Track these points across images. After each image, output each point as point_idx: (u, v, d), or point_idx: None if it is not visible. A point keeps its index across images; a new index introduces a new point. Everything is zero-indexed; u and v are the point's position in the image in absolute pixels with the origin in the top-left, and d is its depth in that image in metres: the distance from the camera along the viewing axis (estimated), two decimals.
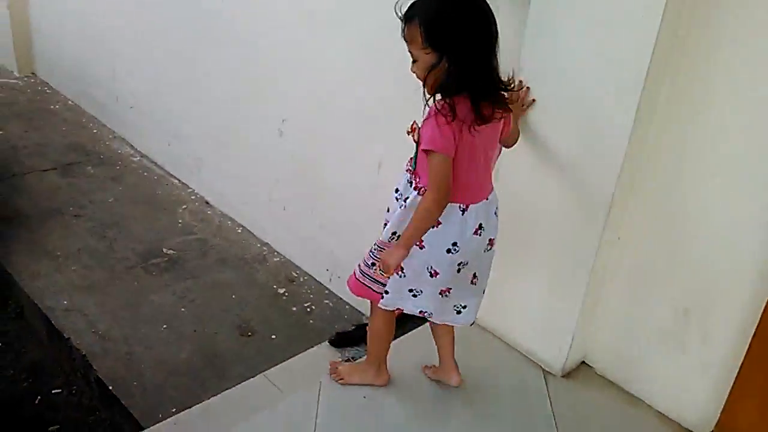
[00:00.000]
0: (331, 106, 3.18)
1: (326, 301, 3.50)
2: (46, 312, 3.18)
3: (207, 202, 4.25)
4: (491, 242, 2.05)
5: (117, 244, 3.74)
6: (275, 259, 3.79)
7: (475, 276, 2.07)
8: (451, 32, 1.71)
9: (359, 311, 3.44)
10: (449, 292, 2.07)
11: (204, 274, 3.59)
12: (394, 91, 2.51)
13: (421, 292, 2.07)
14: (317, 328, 3.31)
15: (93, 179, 4.36)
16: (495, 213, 2.05)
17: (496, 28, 1.75)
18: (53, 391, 3.04)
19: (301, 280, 3.65)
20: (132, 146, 4.81)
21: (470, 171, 1.89)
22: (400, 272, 2.02)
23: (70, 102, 5.37)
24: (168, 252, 3.73)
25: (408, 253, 1.89)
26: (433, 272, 2.01)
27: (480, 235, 1.99)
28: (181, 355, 3.01)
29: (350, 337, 2.94)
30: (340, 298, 3.52)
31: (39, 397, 3.00)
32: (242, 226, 4.04)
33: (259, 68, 3.55)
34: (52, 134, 4.87)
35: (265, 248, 3.87)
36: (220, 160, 4.06)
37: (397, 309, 2.13)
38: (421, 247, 1.97)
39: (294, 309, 3.43)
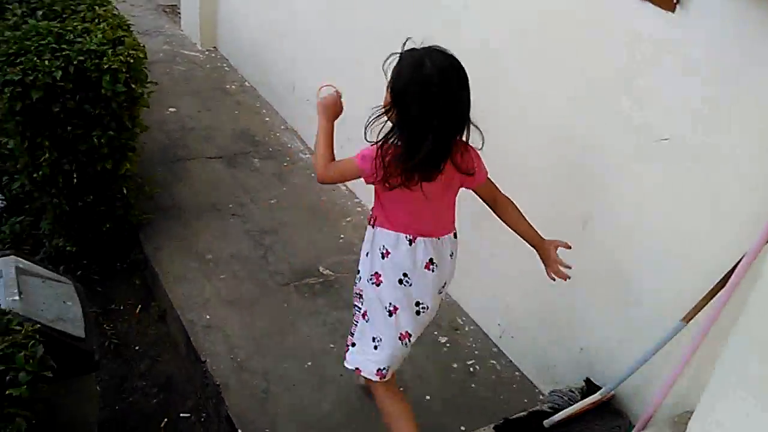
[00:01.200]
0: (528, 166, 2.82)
1: (493, 362, 3.15)
2: (187, 326, 3.09)
3: None
4: (444, 286, 2.30)
5: (272, 255, 3.61)
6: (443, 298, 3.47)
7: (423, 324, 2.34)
8: (400, 96, 2.02)
9: (532, 383, 3.05)
10: (410, 339, 2.28)
11: None
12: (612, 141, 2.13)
13: (381, 339, 2.27)
14: (479, 396, 2.96)
15: (258, 174, 4.28)
16: (451, 256, 2.27)
17: (451, 106, 1.98)
18: (181, 415, 2.95)
19: (467, 329, 3.31)
20: (303, 141, 4.69)
21: (411, 209, 2.15)
22: (365, 317, 2.30)
23: (246, 83, 5.38)
24: (324, 272, 3.54)
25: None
26: (392, 309, 2.23)
27: (433, 270, 2.21)
28: (322, 405, 2.79)
29: (522, 427, 2.55)
30: (510, 361, 3.15)
31: (166, 420, 2.92)
32: None
33: None
34: (224, 117, 4.87)
35: None
36: None
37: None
38: (378, 284, 2.23)
39: (455, 366, 3.10)
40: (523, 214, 2.33)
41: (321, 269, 3.56)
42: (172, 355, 3.21)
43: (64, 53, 3.13)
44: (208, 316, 3.16)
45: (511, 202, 2.33)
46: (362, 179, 2.16)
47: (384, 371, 2.27)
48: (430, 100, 1.96)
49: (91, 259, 3.56)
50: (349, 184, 4.25)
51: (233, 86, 5.34)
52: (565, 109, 2.65)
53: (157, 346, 3.25)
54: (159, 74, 5.33)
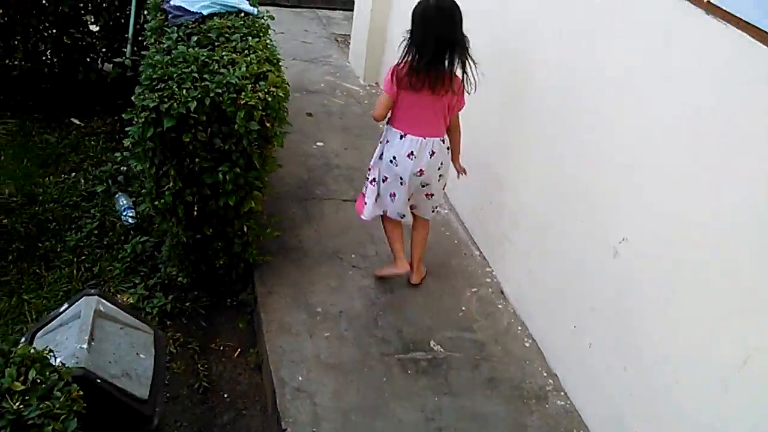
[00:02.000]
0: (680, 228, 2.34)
1: None
2: (277, 384, 2.89)
3: (502, 292, 3.64)
4: (421, 172, 3.26)
5: (383, 318, 3.35)
6: (559, 403, 3.04)
7: (413, 197, 3.40)
8: (414, 19, 3.11)
9: None
10: (394, 197, 3.36)
11: (466, 393, 3.00)
12: None
13: (379, 195, 3.43)
14: None
15: None
16: (430, 154, 3.23)
17: (444, 29, 3.06)
18: None
19: None
20: (445, 197, 4.40)
21: (409, 114, 3.21)
22: (372, 183, 3.42)
23: None
24: (435, 348, 3.22)
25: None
26: (384, 178, 3.36)
27: (412, 159, 3.22)
28: None
29: None
30: None
31: None
32: (533, 339, 3.36)
33: (596, 169, 2.83)
34: (369, 156, 4.67)
35: (551, 382, 3.14)
36: (531, 249, 3.41)
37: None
38: (380, 158, 3.37)
39: None
40: (460, 141, 3.41)
41: (432, 344, 3.24)
42: (258, 412, 3.02)
43: (203, 84, 3.06)
44: (300, 378, 2.94)
45: (460, 131, 3.39)
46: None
47: (380, 213, 3.49)
48: (430, 24, 3.07)
49: (201, 291, 3.47)
50: (483, 249, 3.91)
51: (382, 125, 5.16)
52: None
53: (246, 398, 3.07)
54: (316, 105, 5.28)
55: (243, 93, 3.07)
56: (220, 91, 3.04)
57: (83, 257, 3.72)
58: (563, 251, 3.14)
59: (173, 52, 3.30)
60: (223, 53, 3.31)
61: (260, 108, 3.08)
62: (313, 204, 4.14)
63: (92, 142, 4.74)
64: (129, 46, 4.65)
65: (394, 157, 3.26)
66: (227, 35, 3.52)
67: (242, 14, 3.75)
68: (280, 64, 3.48)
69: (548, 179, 3.28)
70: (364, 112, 5.32)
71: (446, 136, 3.29)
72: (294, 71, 5.76)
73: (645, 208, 2.60)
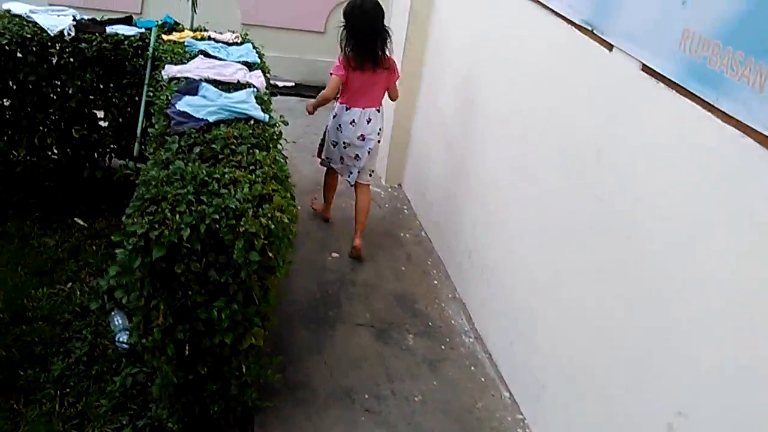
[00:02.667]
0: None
1: None
2: None
3: None
4: (363, 137, 4.35)
5: None
6: None
7: (357, 156, 4.43)
8: (345, 17, 4.22)
9: None
10: (342, 160, 4.49)
11: None
12: None
13: (331, 156, 4.55)
14: None
15: (408, 356, 3.59)
16: (368, 120, 4.33)
17: (367, 20, 4.14)
18: None
19: None
20: (470, 319, 3.94)
21: (355, 91, 4.27)
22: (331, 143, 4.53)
23: (422, 233, 4.78)
24: None
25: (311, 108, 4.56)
26: (332, 143, 4.47)
27: (353, 126, 4.32)
28: None
29: None
30: None
31: None
32: None
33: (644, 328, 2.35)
34: (388, 272, 4.27)
35: None
36: (570, 401, 2.91)
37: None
38: (331, 128, 4.51)
39: None
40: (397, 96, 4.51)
41: None
42: None
43: (199, 207, 2.67)
44: None
45: (398, 94, 4.50)
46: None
47: (328, 161, 4.60)
48: (358, 19, 4.15)
49: None
50: (514, 391, 3.40)
51: (408, 234, 4.75)
52: None
53: None
54: (335, 208, 4.90)
55: (243, 219, 2.68)
56: (217, 217, 2.66)
57: (68, 389, 3.27)
58: (609, 413, 2.64)
59: (171, 166, 2.94)
60: (226, 169, 2.94)
61: (262, 236, 2.68)
62: (323, 330, 3.69)
63: (93, 247, 4.36)
64: (137, 145, 4.33)
65: (340, 126, 4.35)
66: (233, 147, 3.16)
67: (252, 122, 3.39)
68: (289, 180, 3.11)
69: (592, 323, 2.81)
70: (384, 216, 4.92)
71: (381, 106, 4.37)
72: (313, 170, 5.41)
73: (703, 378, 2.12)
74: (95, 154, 4.60)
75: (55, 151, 4.49)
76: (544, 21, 3.30)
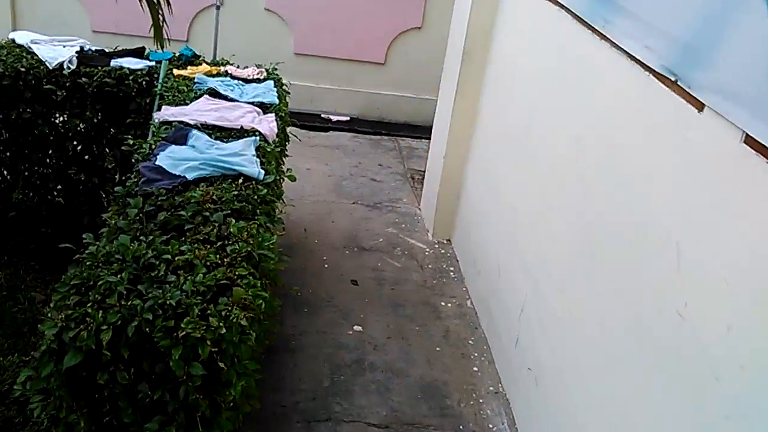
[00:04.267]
0: None
1: None
2: None
3: None
4: None
5: None
6: None
7: None
8: None
9: None
10: None
11: None
12: None
13: None
14: None
15: None
16: None
17: None
18: None
19: None
20: (513, 424, 3.13)
21: None
22: None
23: (468, 304, 4.00)
24: None
25: None
26: None
27: None
28: None
29: None
30: None
31: None
32: None
33: None
34: (418, 355, 3.52)
35: None
36: None
37: None
38: None
39: None
40: None
41: None
42: None
43: (131, 303, 2.02)
44: None
45: None
46: None
47: None
48: None
49: None
50: None
51: (449, 304, 3.98)
52: None
53: None
54: (366, 269, 4.19)
55: (186, 318, 2.01)
56: (149, 316, 2.00)
57: None
58: None
59: (115, 241, 2.31)
60: (185, 246, 2.29)
61: (209, 342, 2.00)
62: (325, 430, 2.96)
63: None
64: None
65: None
66: (207, 213, 2.50)
67: (240, 180, 2.73)
68: (273, 259, 2.41)
69: None
70: (424, 281, 4.16)
71: None
72: (351, 220, 4.72)
73: None
74: (98, 199, 4.06)
75: (55, 194, 3.99)
76: (616, 66, 2.51)
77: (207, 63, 4.04)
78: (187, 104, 3.38)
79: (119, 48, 4.04)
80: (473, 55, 4.18)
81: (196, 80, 3.65)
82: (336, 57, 6.54)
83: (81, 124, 3.75)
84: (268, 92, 3.67)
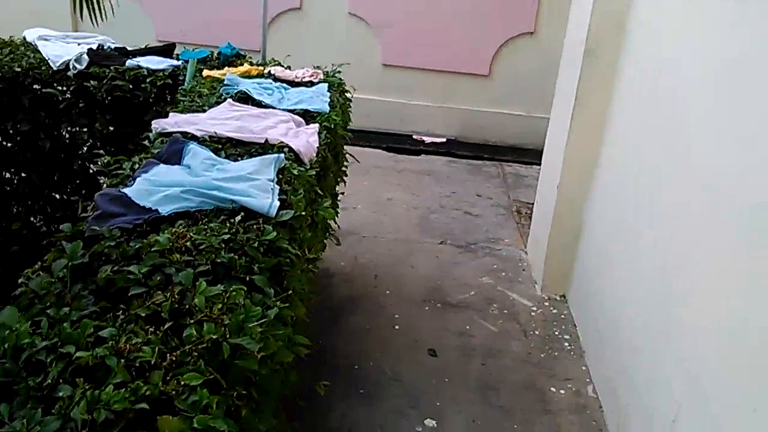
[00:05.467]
0: None
1: None
2: None
3: None
4: None
5: None
6: None
7: None
8: None
9: None
10: None
11: None
12: None
13: None
14: None
15: None
16: None
17: None
18: None
19: None
20: None
21: None
22: None
23: (588, 390, 2.88)
24: None
25: None
26: None
27: None
28: None
29: None
30: None
31: None
32: None
33: None
34: None
35: None
36: None
37: None
38: None
39: None
40: None
41: None
42: None
43: None
44: None
45: None
46: None
47: None
48: None
49: None
50: None
51: (563, 390, 2.87)
52: None
53: None
54: (449, 334, 3.18)
55: None
56: None
57: None
58: None
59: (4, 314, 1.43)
60: (107, 331, 1.37)
61: None
62: None
63: None
64: None
65: None
66: (173, 269, 1.58)
67: (238, 217, 1.80)
68: (254, 357, 1.44)
69: None
70: (528, 355, 3.08)
71: None
72: (436, 265, 3.72)
73: None
74: None
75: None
76: None
77: (251, 64, 3.18)
78: (205, 111, 2.52)
79: (146, 46, 3.27)
80: (599, 51, 3.10)
81: (226, 81, 2.79)
82: (431, 68, 5.59)
83: (87, 138, 2.97)
84: (316, 98, 2.75)
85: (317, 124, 2.50)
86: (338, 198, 3.22)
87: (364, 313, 3.25)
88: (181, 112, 2.51)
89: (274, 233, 1.78)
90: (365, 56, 5.52)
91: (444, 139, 5.66)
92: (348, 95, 3.18)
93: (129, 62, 2.98)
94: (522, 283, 3.63)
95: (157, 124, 2.35)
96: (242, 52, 3.27)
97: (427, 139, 5.63)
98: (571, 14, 3.51)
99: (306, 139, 2.36)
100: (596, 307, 3.08)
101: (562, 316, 3.37)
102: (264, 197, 1.89)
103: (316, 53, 5.55)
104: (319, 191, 2.24)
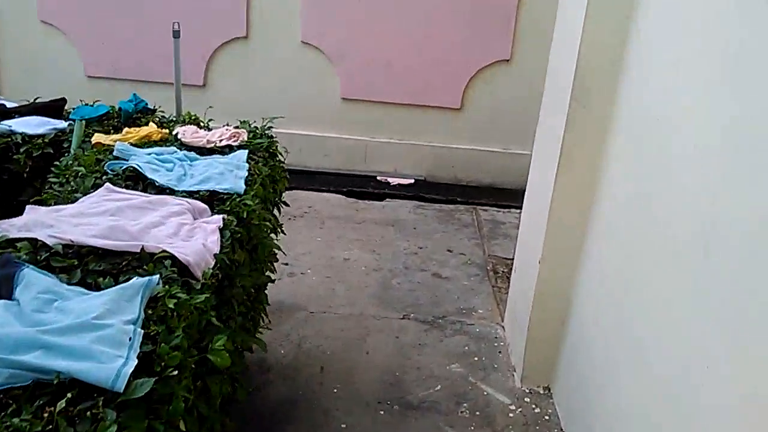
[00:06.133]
0: None
1: None
2: None
3: None
4: None
5: None
6: None
7: None
8: None
9: None
10: None
11: None
12: None
13: None
14: None
15: None
16: None
17: None
18: None
19: None
20: None
21: None
22: None
23: None
24: None
25: None
26: None
27: None
28: None
29: None
30: None
31: None
32: None
33: None
34: None
35: None
36: None
37: None
38: None
39: None
40: None
41: None
42: None
43: None
44: None
45: None
46: None
47: None
48: None
49: None
50: None
51: None
52: None
53: None
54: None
55: None
56: None
57: None
58: None
59: None
60: None
61: None
62: None
63: None
64: None
65: None
66: None
67: (68, 397, 1.21)
68: None
69: None
70: None
71: None
72: (396, 348, 3.15)
73: None
74: None
75: None
76: None
77: (163, 121, 2.59)
78: (78, 199, 1.93)
79: (37, 100, 2.67)
80: (589, 96, 2.55)
81: (116, 151, 2.20)
82: (396, 102, 5.03)
83: None
84: (229, 173, 2.17)
85: (221, 216, 1.92)
86: (274, 273, 2.61)
87: (303, 421, 2.66)
88: (48, 201, 1.93)
89: (115, 428, 1.20)
90: (322, 90, 4.96)
91: (412, 180, 5.10)
92: (280, 158, 2.61)
93: (1, 125, 2.38)
94: (498, 371, 3.06)
95: (3, 226, 1.76)
96: (151, 106, 2.69)
97: (393, 181, 5.06)
98: (553, 48, 2.97)
99: (202, 241, 1.78)
100: (589, 408, 2.51)
101: (546, 418, 2.80)
102: (111, 360, 1.31)
103: (265, 89, 5.00)
104: (216, 322, 1.65)
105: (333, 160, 5.10)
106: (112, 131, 2.46)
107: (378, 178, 5.10)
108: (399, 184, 5.04)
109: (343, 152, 5.09)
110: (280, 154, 2.62)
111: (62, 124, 2.48)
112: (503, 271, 3.95)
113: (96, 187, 2.00)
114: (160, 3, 4.81)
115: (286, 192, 4.90)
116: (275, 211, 2.72)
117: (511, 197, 4.93)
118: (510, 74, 4.98)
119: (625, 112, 2.45)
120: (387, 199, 4.87)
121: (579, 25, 2.52)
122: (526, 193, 3.27)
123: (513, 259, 3.52)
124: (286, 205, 2.83)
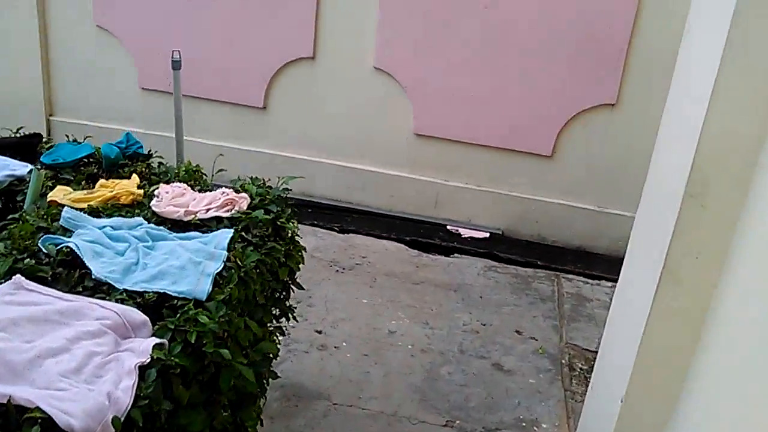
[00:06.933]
0: None
1: None
2: None
3: None
4: None
5: None
6: None
7: None
8: None
9: None
10: None
11: None
12: None
13: None
14: None
15: None
16: None
17: None
18: None
19: None
20: None
21: None
22: None
23: None
24: None
25: None
26: None
27: None
28: None
29: None
30: None
31: None
32: None
33: None
34: None
35: None
36: None
37: None
38: None
39: None
40: None
41: None
42: None
43: None
44: None
45: None
46: None
47: None
48: None
49: None
50: None
51: None
52: None
53: None
54: None
55: None
56: None
57: None
58: None
59: None
60: None
61: None
62: None
63: None
64: None
65: None
66: None
67: None
68: None
69: None
70: None
71: None
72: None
73: None
74: None
75: None
76: None
77: (147, 173, 2.08)
78: None
79: (13, 135, 2.22)
80: (709, 197, 1.85)
81: (61, 219, 1.70)
82: (476, 143, 4.39)
83: None
84: (192, 268, 1.60)
85: (152, 341, 1.36)
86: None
87: None
88: None
89: None
90: (393, 122, 4.39)
91: (487, 234, 4.44)
92: (298, 239, 2.04)
93: None
94: None
95: None
96: (142, 150, 2.19)
97: (465, 233, 4.42)
98: (665, 118, 2.27)
99: (109, 388, 1.23)
100: None
101: None
102: None
103: (330, 116, 4.49)
104: None
105: (399, 202, 4.52)
106: (84, 183, 1.98)
107: (448, 227, 4.48)
108: (471, 238, 4.40)
109: (411, 194, 4.50)
110: (294, 231, 2.05)
111: (24, 169, 2.03)
112: (581, 369, 3.24)
113: (12, 274, 1.50)
114: (223, 13, 4.39)
115: (341, 235, 4.41)
116: (284, 291, 2.14)
117: (602, 266, 4.20)
118: (614, 121, 4.25)
119: (756, 213, 1.74)
120: (455, 255, 4.24)
121: (705, 95, 1.82)
122: (611, 307, 2.56)
123: (596, 352, 2.83)
124: (301, 288, 2.26)
